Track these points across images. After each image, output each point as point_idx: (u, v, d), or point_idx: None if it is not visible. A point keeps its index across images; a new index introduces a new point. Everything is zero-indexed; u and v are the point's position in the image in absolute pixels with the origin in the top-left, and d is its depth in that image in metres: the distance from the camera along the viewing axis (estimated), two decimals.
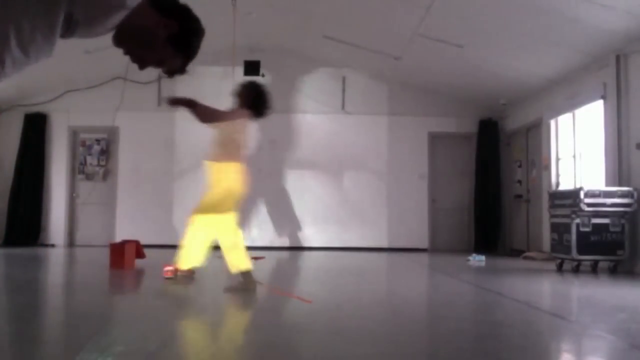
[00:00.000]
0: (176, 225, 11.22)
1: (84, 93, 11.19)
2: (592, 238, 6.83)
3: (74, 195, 11.40)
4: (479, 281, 6.22)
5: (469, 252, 10.27)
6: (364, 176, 11.42)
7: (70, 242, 11.30)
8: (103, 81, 11.14)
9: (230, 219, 5.00)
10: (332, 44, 10.04)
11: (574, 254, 6.85)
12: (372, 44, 9.75)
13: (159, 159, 11.31)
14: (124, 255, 6.56)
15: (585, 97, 8.23)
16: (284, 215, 11.26)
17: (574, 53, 7.87)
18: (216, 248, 10.36)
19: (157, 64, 1.72)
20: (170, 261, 5.99)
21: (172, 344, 2.82)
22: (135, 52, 1.66)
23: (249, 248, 11.04)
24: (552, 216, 7.58)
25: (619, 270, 6.83)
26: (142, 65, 1.70)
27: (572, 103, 8.67)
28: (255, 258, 8.41)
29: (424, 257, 9.76)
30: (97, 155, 11.50)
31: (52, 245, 11.06)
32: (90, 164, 11.48)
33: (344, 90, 11.48)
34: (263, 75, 10.93)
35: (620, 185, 7.13)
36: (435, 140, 11.55)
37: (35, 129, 11.22)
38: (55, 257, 8.84)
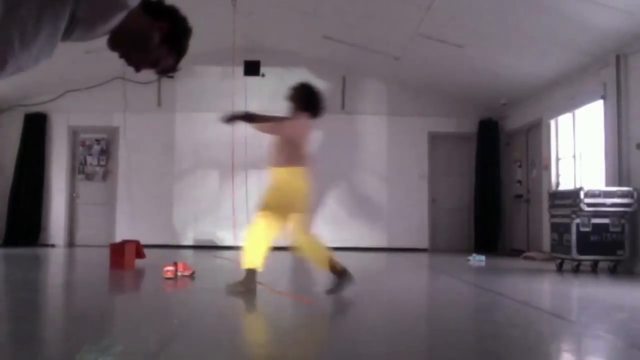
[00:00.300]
0: (176, 225, 11.23)
1: (84, 93, 11.19)
2: (592, 238, 6.83)
3: (74, 195, 11.40)
4: (479, 281, 6.22)
5: (469, 252, 10.26)
6: (363, 176, 11.41)
7: (70, 242, 11.30)
8: (103, 81, 11.13)
9: (300, 221, 4.94)
10: (332, 44, 10.04)
11: (574, 254, 6.85)
12: (372, 44, 9.75)
13: (159, 159, 11.31)
14: (124, 255, 6.56)
15: (585, 97, 8.23)
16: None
17: (574, 53, 7.87)
18: (216, 248, 10.29)
19: (152, 64, 1.77)
20: (169, 261, 5.99)
21: (172, 344, 2.82)
22: (132, 54, 1.71)
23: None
24: (552, 216, 7.57)
25: (619, 270, 6.83)
26: (139, 67, 1.76)
27: (572, 103, 8.67)
28: None
29: (424, 257, 9.76)
30: (97, 155, 11.50)
31: (52, 245, 11.05)
32: (90, 164, 11.48)
33: (344, 90, 11.48)
34: (263, 75, 10.93)
35: (620, 185, 7.13)
36: (435, 140, 11.55)
37: (35, 129, 11.22)
38: (55, 257, 8.84)
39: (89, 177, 11.46)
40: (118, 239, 9.60)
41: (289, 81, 12.04)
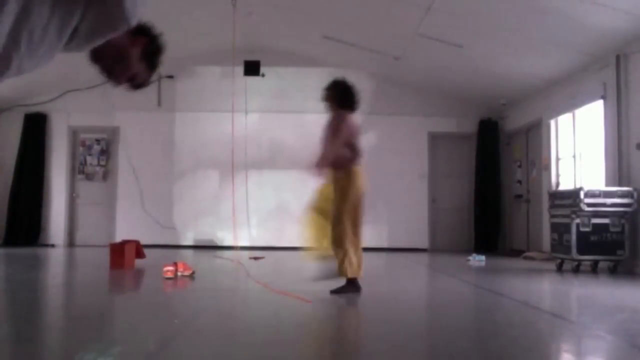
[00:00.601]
0: (176, 225, 11.22)
1: (84, 93, 11.18)
2: (592, 238, 6.83)
3: (74, 195, 11.39)
4: (479, 281, 6.22)
5: (469, 252, 10.26)
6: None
7: (70, 242, 11.30)
8: (103, 81, 11.05)
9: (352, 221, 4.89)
10: (332, 44, 10.04)
11: (574, 254, 6.85)
12: (372, 44, 9.75)
13: (159, 159, 11.31)
14: (124, 255, 6.56)
15: (585, 97, 8.23)
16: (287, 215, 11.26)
17: (574, 53, 7.87)
18: (216, 248, 10.28)
19: (131, 78, 1.83)
20: (169, 261, 5.99)
21: (172, 343, 2.82)
22: (114, 69, 1.78)
23: (249, 248, 11.06)
24: (552, 216, 7.57)
25: (619, 270, 6.83)
26: (119, 81, 1.82)
27: (572, 103, 8.67)
28: (255, 258, 8.43)
29: (424, 257, 9.76)
30: (97, 155, 11.50)
31: (52, 246, 11.05)
32: (90, 164, 11.48)
33: None
34: (263, 75, 10.93)
35: (620, 185, 7.13)
36: (435, 140, 11.55)
37: (35, 129, 11.22)
38: (55, 257, 8.84)
39: (89, 177, 11.46)
40: (118, 239, 9.60)
41: (289, 81, 12.07)
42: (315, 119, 11.46)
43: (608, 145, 7.55)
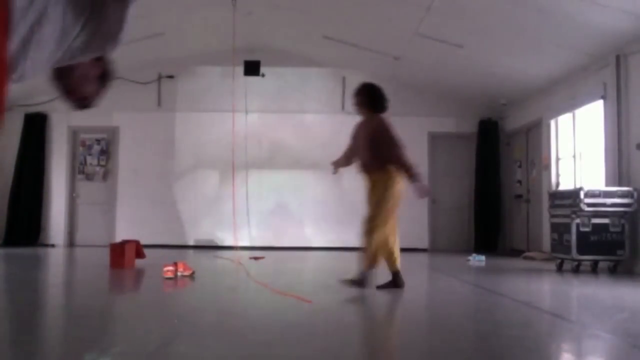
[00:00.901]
0: (176, 225, 11.22)
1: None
2: (592, 238, 6.83)
3: (74, 195, 11.40)
4: (479, 281, 6.22)
5: (469, 252, 10.26)
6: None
7: (70, 242, 11.30)
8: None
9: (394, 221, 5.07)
10: (332, 44, 10.04)
11: (574, 254, 6.85)
12: (372, 44, 9.75)
13: (159, 159, 11.31)
14: (124, 255, 6.56)
15: (585, 97, 8.23)
16: (287, 215, 11.26)
17: (574, 53, 7.87)
18: (216, 248, 10.27)
19: (85, 98, 1.87)
20: (169, 261, 5.99)
21: (172, 344, 2.82)
22: (74, 88, 1.80)
23: (249, 248, 11.05)
24: (552, 216, 7.57)
25: (619, 270, 6.82)
26: (73, 99, 1.84)
27: (572, 103, 8.67)
28: (255, 258, 8.43)
29: (424, 257, 9.76)
30: (97, 155, 11.50)
31: (52, 245, 11.05)
32: (90, 164, 11.48)
33: (344, 90, 11.47)
34: (263, 75, 10.93)
35: (620, 185, 7.13)
36: (435, 140, 11.55)
37: (35, 129, 11.23)
38: (55, 257, 8.84)
39: (89, 177, 11.46)
40: (118, 239, 9.61)
41: (289, 81, 12.06)
42: (315, 119, 11.51)
43: (608, 145, 7.55)
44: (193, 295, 4.95)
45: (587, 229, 6.84)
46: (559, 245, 7.21)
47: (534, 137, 10.25)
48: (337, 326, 3.41)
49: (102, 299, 4.65)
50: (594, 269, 7.01)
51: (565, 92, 8.86)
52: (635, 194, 6.82)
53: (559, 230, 7.23)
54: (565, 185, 8.99)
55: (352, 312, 4.04)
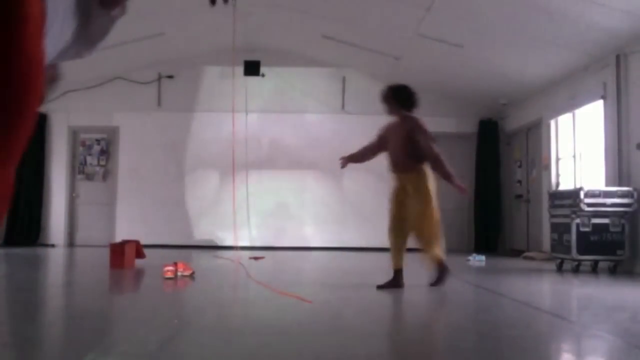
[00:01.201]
0: (176, 225, 11.22)
1: (84, 93, 11.19)
2: (592, 238, 6.83)
3: (74, 195, 11.40)
4: (479, 281, 6.22)
5: (469, 252, 10.26)
6: (364, 176, 11.39)
7: (70, 242, 11.30)
8: (103, 81, 11.14)
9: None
10: (332, 44, 10.04)
11: (574, 254, 6.85)
12: (372, 44, 9.75)
13: (159, 159, 11.30)
14: (124, 255, 6.56)
15: (585, 97, 8.23)
16: (286, 215, 11.26)
17: (574, 53, 7.87)
18: (216, 248, 10.26)
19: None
20: (169, 261, 5.99)
21: (172, 344, 2.82)
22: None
23: (249, 248, 11.04)
24: (552, 216, 7.57)
25: (619, 270, 6.82)
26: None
27: (572, 103, 8.67)
28: (255, 258, 8.43)
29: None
30: (97, 155, 11.50)
31: (52, 245, 11.05)
32: (90, 164, 11.48)
33: (344, 90, 11.48)
34: (263, 75, 10.93)
35: (620, 185, 7.13)
36: (435, 139, 11.52)
37: (36, 129, 11.20)
38: (55, 257, 8.84)
39: (89, 177, 11.46)
40: (118, 239, 9.60)
41: (289, 81, 12.06)
42: (315, 119, 11.51)
43: (608, 145, 7.55)
44: (193, 295, 4.95)
45: (587, 229, 6.84)
46: (559, 245, 7.21)
47: (534, 137, 10.25)
48: (337, 326, 3.41)
49: (102, 299, 4.65)
50: (594, 269, 7.01)
51: (565, 92, 8.86)
52: (635, 194, 6.82)
53: (559, 230, 7.23)
54: (565, 185, 8.99)
55: (352, 312, 4.04)
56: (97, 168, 11.48)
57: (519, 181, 10.87)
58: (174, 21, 9.45)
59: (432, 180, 5.08)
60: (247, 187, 10.70)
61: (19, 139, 1.08)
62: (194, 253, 9.66)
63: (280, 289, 4.74)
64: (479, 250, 10.50)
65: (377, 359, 2.61)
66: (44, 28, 1.27)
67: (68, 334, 3.20)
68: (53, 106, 11.30)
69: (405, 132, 5.07)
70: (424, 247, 5.13)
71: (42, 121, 11.28)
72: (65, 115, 11.28)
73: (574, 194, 7.01)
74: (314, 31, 9.95)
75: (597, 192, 6.91)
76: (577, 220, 6.86)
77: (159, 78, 11.34)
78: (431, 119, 11.40)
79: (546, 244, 8.74)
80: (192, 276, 5.74)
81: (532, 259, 9.05)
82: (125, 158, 11.32)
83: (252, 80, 10.92)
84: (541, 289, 5.81)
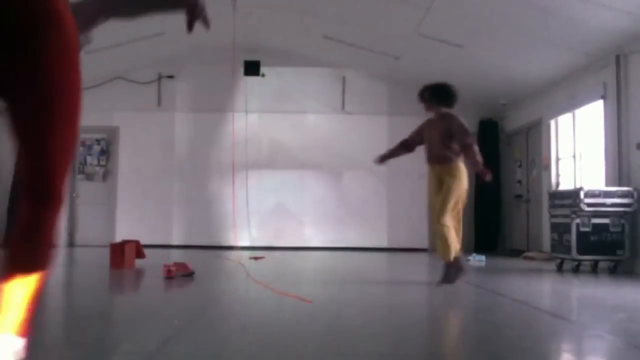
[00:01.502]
0: (176, 225, 11.23)
1: (84, 93, 11.12)
2: (592, 238, 6.83)
3: (74, 195, 11.39)
4: (479, 281, 6.22)
5: (469, 252, 10.25)
6: (363, 176, 11.41)
7: (70, 242, 11.30)
8: (103, 81, 11.14)
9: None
10: (332, 44, 10.04)
11: (574, 254, 6.85)
12: (372, 44, 9.74)
13: (159, 159, 11.30)
14: (124, 255, 6.56)
15: (585, 97, 8.23)
16: (285, 214, 11.26)
17: (574, 53, 7.87)
18: (217, 248, 10.26)
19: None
20: (169, 261, 6.00)
21: (172, 344, 2.82)
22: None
23: (249, 248, 11.03)
24: (552, 216, 7.57)
25: (619, 270, 6.82)
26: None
27: (572, 103, 8.67)
28: (255, 258, 8.43)
29: (424, 257, 9.76)
30: (97, 155, 11.50)
31: None
32: (90, 164, 11.48)
33: (344, 90, 11.48)
34: (263, 75, 10.93)
35: (620, 185, 7.12)
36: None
37: None
38: (55, 257, 8.83)
39: (89, 177, 11.46)
40: (118, 239, 9.60)
41: (289, 81, 12.06)
42: (315, 119, 11.51)
43: (608, 145, 7.55)
44: (193, 295, 4.95)
45: (587, 229, 6.84)
46: (559, 245, 7.21)
47: (534, 137, 10.25)
48: (337, 326, 3.41)
49: (102, 299, 4.65)
50: (594, 269, 7.01)
51: (565, 92, 8.86)
52: (635, 194, 6.82)
53: (559, 230, 7.23)
54: (565, 185, 8.99)
55: (352, 312, 4.04)
56: (97, 168, 11.48)
57: (519, 181, 10.87)
58: (174, 21, 9.42)
59: (465, 177, 5.32)
60: (247, 187, 10.70)
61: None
62: (194, 253, 9.66)
63: (280, 289, 4.74)
64: (479, 250, 10.49)
65: (377, 359, 2.61)
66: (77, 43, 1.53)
67: (68, 334, 3.20)
68: None
69: (444, 128, 5.43)
70: (432, 222, 5.49)
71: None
72: None
73: (574, 194, 7.01)
74: (314, 31, 9.95)
75: (597, 192, 6.91)
76: (577, 220, 6.86)
77: (159, 78, 11.33)
78: None
79: (546, 244, 8.74)
80: (192, 276, 5.74)
81: (532, 259, 9.05)
82: (125, 158, 11.32)
83: (252, 80, 10.92)
84: (541, 289, 5.81)
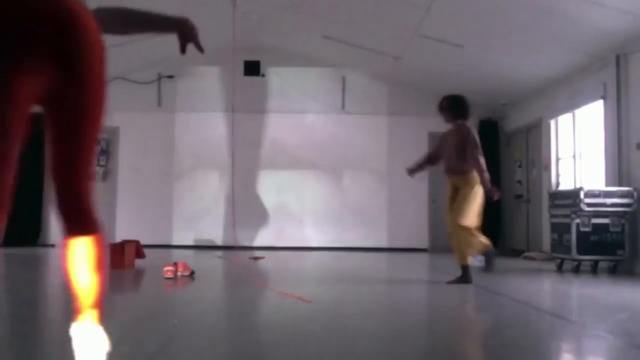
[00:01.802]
0: (176, 225, 11.22)
1: None
2: (592, 238, 6.83)
3: None
4: (479, 281, 6.22)
5: None
6: (364, 176, 11.41)
7: None
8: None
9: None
10: (332, 44, 10.04)
11: (574, 254, 6.85)
12: (372, 44, 9.74)
13: (159, 159, 11.30)
14: (124, 255, 6.56)
15: (585, 97, 8.23)
16: (285, 214, 11.26)
17: (574, 53, 7.87)
18: (216, 248, 10.27)
19: None
20: (169, 261, 5.99)
21: (171, 344, 2.82)
22: None
23: (249, 248, 11.04)
24: (552, 216, 7.57)
25: (619, 270, 6.82)
26: None
27: (572, 103, 8.67)
28: (255, 258, 8.43)
29: (424, 257, 9.76)
30: (97, 155, 11.49)
31: (52, 245, 11.05)
32: None
33: (344, 90, 11.48)
34: (263, 75, 10.93)
35: (620, 185, 7.12)
36: (435, 140, 11.46)
37: (36, 129, 11.20)
38: (55, 257, 8.84)
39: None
40: (118, 239, 9.60)
41: (289, 81, 12.04)
42: (315, 119, 11.51)
43: (608, 145, 7.55)
44: (193, 295, 4.95)
45: (587, 229, 6.84)
46: (559, 245, 7.21)
47: (534, 137, 10.24)
48: (337, 326, 3.41)
49: (102, 299, 4.64)
50: (594, 269, 7.01)
51: (565, 92, 8.86)
52: (635, 194, 6.82)
53: (559, 230, 7.23)
54: (565, 185, 8.99)
55: (352, 312, 4.04)
56: (97, 168, 11.47)
57: (519, 181, 10.87)
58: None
59: (479, 187, 5.41)
60: (246, 187, 10.70)
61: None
62: (194, 253, 9.67)
63: (280, 289, 4.74)
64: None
65: (377, 359, 2.61)
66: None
67: (67, 334, 3.19)
68: None
69: (458, 140, 5.58)
70: (449, 232, 5.56)
71: (43, 121, 11.26)
72: None
73: (574, 194, 7.01)
74: (314, 31, 9.95)
75: (597, 192, 6.91)
76: (577, 220, 6.86)
77: (159, 78, 11.33)
78: (431, 119, 11.42)
79: (546, 244, 8.74)
80: (192, 276, 5.74)
81: (532, 259, 9.05)
82: (125, 158, 11.32)
83: (252, 80, 10.92)
84: (541, 289, 5.81)
